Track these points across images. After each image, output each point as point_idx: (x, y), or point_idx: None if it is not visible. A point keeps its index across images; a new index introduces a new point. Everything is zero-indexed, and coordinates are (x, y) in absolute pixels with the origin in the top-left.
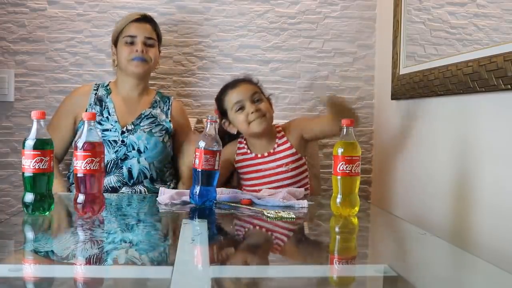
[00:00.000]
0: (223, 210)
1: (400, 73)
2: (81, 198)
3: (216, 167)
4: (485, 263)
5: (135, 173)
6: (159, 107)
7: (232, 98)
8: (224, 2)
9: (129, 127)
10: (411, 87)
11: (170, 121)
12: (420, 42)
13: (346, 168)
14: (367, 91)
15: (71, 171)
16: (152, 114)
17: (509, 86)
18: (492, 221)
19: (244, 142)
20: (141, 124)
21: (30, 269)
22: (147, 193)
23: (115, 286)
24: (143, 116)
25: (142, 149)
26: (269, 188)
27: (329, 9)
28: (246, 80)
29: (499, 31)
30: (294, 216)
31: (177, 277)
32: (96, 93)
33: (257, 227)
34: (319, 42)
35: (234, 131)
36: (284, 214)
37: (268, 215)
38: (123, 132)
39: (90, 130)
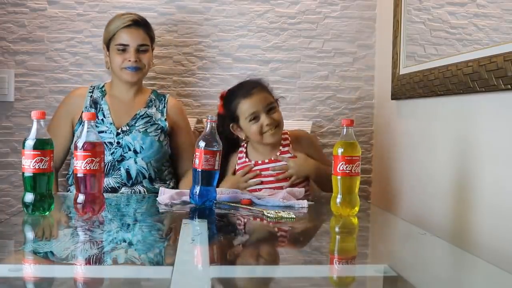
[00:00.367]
0: (223, 210)
1: (400, 73)
2: (81, 198)
3: (216, 167)
4: (485, 263)
5: (133, 173)
6: (155, 106)
7: (246, 107)
8: (224, 2)
9: (124, 128)
10: (411, 87)
11: (165, 119)
12: (420, 42)
13: (346, 168)
14: (367, 91)
15: (70, 172)
16: (147, 114)
17: (509, 86)
18: (492, 221)
19: (244, 150)
20: (136, 125)
21: (30, 269)
22: (146, 193)
23: (115, 286)
24: (138, 116)
25: (138, 149)
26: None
27: (329, 9)
28: (259, 87)
29: (499, 31)
30: (294, 216)
31: (177, 277)
32: (91, 95)
33: (257, 227)
34: (319, 42)
35: (242, 136)
36: (284, 214)
37: (268, 215)
38: (118, 134)
39: (90, 130)
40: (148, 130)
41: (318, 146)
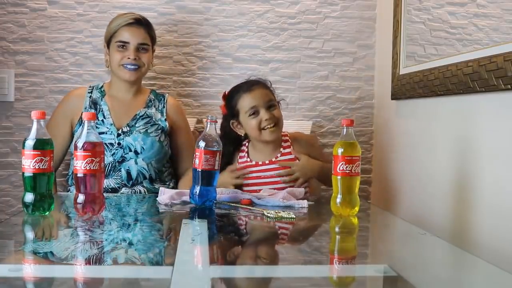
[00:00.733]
0: (223, 210)
1: (400, 73)
2: (81, 198)
3: (216, 167)
4: (485, 263)
5: (133, 174)
6: (154, 106)
7: (247, 101)
8: (224, 2)
9: (125, 129)
10: (411, 87)
11: (165, 119)
12: (420, 42)
13: (346, 168)
14: (367, 91)
15: (70, 172)
16: (147, 114)
17: (509, 86)
18: (492, 221)
19: (246, 150)
20: (136, 125)
21: (30, 269)
22: (146, 193)
23: (115, 286)
24: (138, 116)
25: (139, 150)
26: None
27: (329, 9)
28: (261, 84)
29: (499, 31)
30: (294, 216)
31: (177, 277)
32: (90, 95)
33: (257, 227)
34: (319, 42)
35: (241, 132)
36: (284, 214)
37: (268, 215)
38: (119, 135)
39: (90, 130)
40: (148, 131)
41: (318, 146)
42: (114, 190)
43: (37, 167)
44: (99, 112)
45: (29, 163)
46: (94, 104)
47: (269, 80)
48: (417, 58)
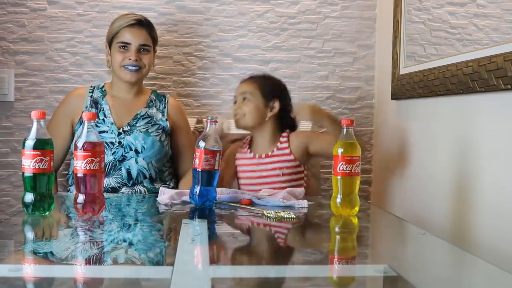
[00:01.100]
0: (223, 210)
1: (400, 73)
2: (81, 198)
3: (216, 167)
4: (485, 263)
5: (134, 173)
6: (155, 106)
7: (237, 89)
8: (224, 2)
9: (125, 128)
10: (411, 87)
11: (166, 119)
12: (420, 42)
13: (346, 168)
14: (367, 91)
15: (70, 172)
16: (148, 114)
17: (509, 86)
18: (492, 221)
19: (249, 140)
20: (137, 125)
21: (30, 269)
22: (147, 193)
23: (115, 286)
24: (139, 116)
25: (139, 149)
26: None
27: (329, 9)
28: (255, 78)
29: (499, 31)
30: (294, 216)
31: (177, 277)
32: (91, 95)
33: (257, 227)
34: (319, 42)
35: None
36: (284, 214)
37: (268, 215)
38: (119, 134)
39: (90, 130)
40: (149, 130)
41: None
42: (115, 190)
43: (37, 167)
44: (100, 111)
45: (29, 163)
46: (95, 103)
47: (280, 80)
48: (417, 58)
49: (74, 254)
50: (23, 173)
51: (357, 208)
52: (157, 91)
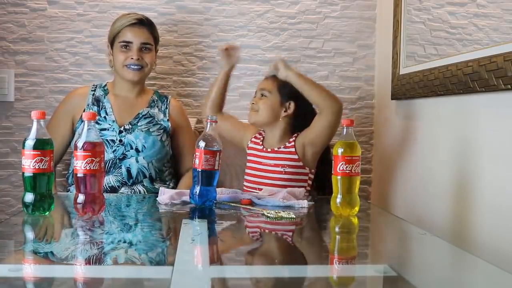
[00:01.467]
0: (223, 210)
1: (400, 73)
2: (81, 198)
3: (216, 167)
4: (485, 263)
5: (134, 172)
6: (157, 107)
7: (258, 84)
8: (224, 2)
9: (127, 127)
10: (411, 87)
11: (168, 120)
12: (420, 42)
13: (346, 168)
14: (367, 91)
15: (70, 171)
16: (149, 114)
17: (509, 86)
18: (492, 221)
19: (264, 132)
20: (138, 124)
21: (30, 269)
22: (146, 193)
23: (115, 286)
24: (140, 115)
25: (140, 148)
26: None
27: (329, 9)
28: (277, 77)
29: (499, 31)
30: (294, 216)
31: (177, 277)
32: (93, 94)
33: (257, 227)
34: (319, 42)
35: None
36: (284, 214)
37: (268, 215)
38: (120, 132)
39: (90, 130)
40: (150, 130)
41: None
42: (114, 189)
43: (37, 167)
44: (101, 109)
45: (29, 163)
46: (97, 101)
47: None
48: (417, 58)
49: (74, 254)
50: (23, 173)
51: (357, 208)
52: (158, 91)
